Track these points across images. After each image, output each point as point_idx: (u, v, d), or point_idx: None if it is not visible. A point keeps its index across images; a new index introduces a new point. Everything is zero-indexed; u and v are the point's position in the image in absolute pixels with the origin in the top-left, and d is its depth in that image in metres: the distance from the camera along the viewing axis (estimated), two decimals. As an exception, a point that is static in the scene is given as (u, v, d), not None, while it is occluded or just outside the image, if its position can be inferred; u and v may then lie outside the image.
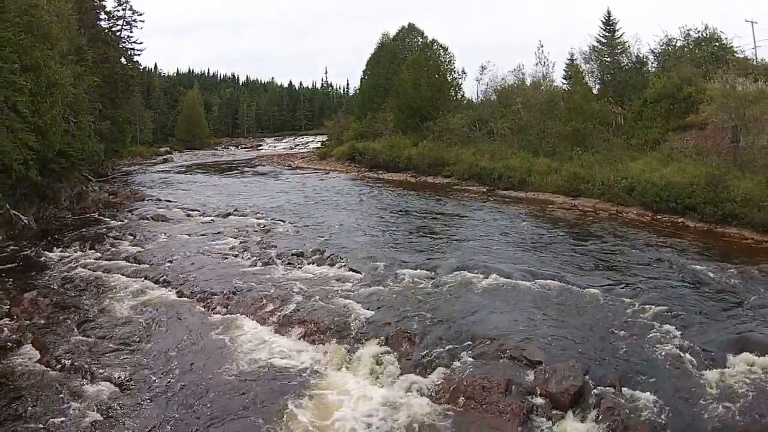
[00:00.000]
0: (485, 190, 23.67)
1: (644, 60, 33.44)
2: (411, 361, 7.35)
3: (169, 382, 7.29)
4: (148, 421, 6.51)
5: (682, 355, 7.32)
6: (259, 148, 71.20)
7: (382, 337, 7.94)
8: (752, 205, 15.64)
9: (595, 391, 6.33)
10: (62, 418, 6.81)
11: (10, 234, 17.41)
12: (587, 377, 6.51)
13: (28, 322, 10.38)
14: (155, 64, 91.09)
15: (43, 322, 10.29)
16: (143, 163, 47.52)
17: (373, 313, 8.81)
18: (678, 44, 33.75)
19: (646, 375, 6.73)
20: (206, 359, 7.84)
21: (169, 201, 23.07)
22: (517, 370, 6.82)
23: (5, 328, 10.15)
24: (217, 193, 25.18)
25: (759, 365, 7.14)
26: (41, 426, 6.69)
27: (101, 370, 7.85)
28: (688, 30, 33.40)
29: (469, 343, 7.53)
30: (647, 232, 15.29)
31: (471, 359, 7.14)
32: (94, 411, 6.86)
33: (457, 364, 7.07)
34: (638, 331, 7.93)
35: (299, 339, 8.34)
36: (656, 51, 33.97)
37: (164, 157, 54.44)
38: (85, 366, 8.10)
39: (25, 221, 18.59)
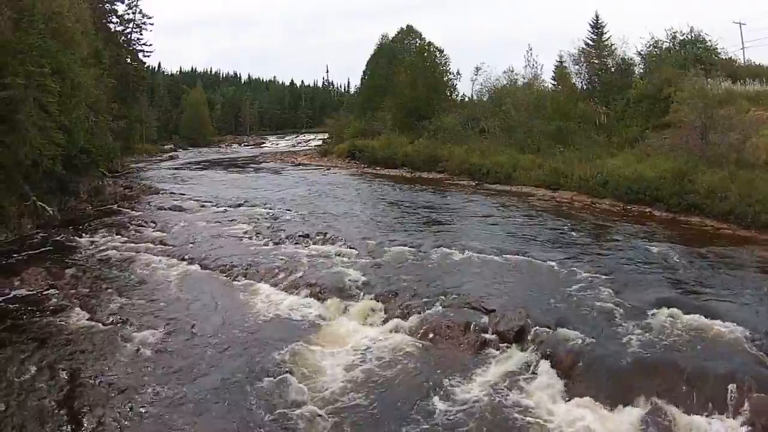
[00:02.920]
0: (474, 184, 25.59)
1: (629, 62, 35.14)
2: (394, 310, 9.37)
3: (204, 328, 9.22)
4: (188, 355, 8.41)
5: (613, 308, 9.17)
6: (262, 145, 72.66)
7: (373, 294, 9.99)
8: (714, 196, 17.41)
9: (535, 330, 8.24)
10: (119, 356, 8.67)
11: (37, 223, 19.08)
12: (530, 320, 8.41)
13: (73, 291, 12.18)
14: (159, 63, 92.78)
15: (86, 291, 12.10)
16: (149, 160, 48.87)
17: (365, 277, 10.82)
18: (664, 46, 35.44)
19: (579, 321, 8.60)
20: (232, 312, 9.79)
21: (183, 194, 24.88)
22: (475, 315, 8.81)
23: (54, 297, 11.93)
24: (226, 187, 27.00)
25: (678, 319, 8.91)
26: (104, 361, 8.54)
27: (145, 322, 9.74)
28: (674, 32, 35.06)
29: (441, 297, 9.53)
30: (615, 220, 17.12)
31: (441, 308, 9.16)
32: (144, 350, 8.73)
33: (429, 311, 9.08)
34: (580, 292, 9.80)
35: (306, 297, 10.33)
36: (643, 52, 35.72)
37: (170, 154, 55.91)
38: (131, 320, 9.95)
39: (51, 211, 20.26)
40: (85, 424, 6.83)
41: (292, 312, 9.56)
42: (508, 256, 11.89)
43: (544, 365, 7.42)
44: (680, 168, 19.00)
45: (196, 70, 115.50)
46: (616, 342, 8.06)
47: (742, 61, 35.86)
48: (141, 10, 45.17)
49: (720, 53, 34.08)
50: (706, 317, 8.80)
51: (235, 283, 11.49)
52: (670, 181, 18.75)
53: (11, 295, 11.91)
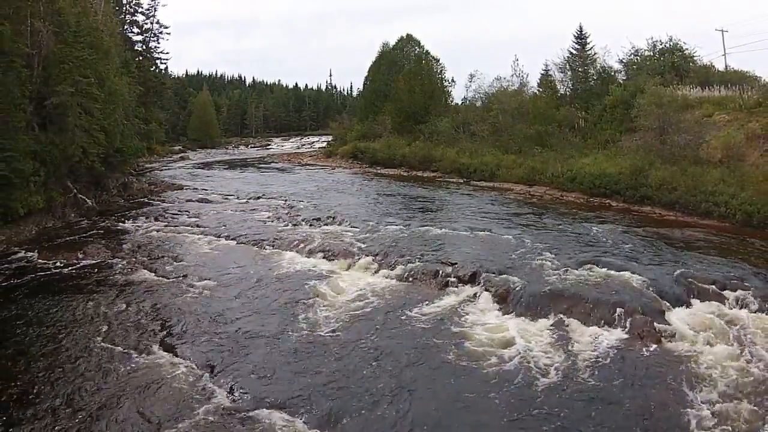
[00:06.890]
0: (462, 181, 29.04)
1: (609, 70, 38.14)
2: (386, 264, 12.88)
3: (247, 277, 12.62)
4: (241, 292, 11.82)
5: (546, 264, 12.45)
6: (268, 147, 75.55)
7: (370, 256, 13.48)
8: (664, 189, 20.52)
9: (483, 274, 11.63)
10: (187, 296, 11.95)
11: (78, 213, 22.23)
12: (481, 268, 11.78)
13: (134, 259, 15.34)
14: (166, 67, 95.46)
15: (145, 258, 15.29)
16: (161, 160, 51.27)
17: (365, 245, 14.34)
18: (645, 54, 38.36)
19: (517, 270, 11.93)
20: (266, 269, 13.20)
21: (205, 189, 28.16)
22: (443, 266, 12.33)
23: (119, 264, 15.06)
24: (243, 184, 30.32)
25: (593, 270, 12.05)
26: (176, 299, 11.79)
27: (201, 275, 13.06)
28: (654, 41, 38.00)
29: (420, 256, 13.06)
30: (575, 209, 20.30)
31: (419, 263, 12.66)
32: (204, 292, 12.02)
33: (411, 264, 12.60)
34: (524, 254, 13.13)
35: (321, 258, 13.85)
36: (624, 60, 38.70)
37: (180, 155, 58.64)
38: (189, 275, 13.24)
39: (90, 203, 23.46)
40: (174, 329, 10.10)
41: (311, 268, 13.06)
42: (475, 231, 15.35)
43: (486, 295, 10.84)
44: (637, 165, 22.13)
45: (201, 73, 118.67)
46: (540, 283, 11.31)
47: (723, 67, 38.48)
48: (159, 20, 48.78)
49: (696, 61, 36.96)
50: (615, 270, 11.97)
51: (265, 251, 14.90)
52: (627, 176, 21.89)
53: (81, 264, 15.01)
